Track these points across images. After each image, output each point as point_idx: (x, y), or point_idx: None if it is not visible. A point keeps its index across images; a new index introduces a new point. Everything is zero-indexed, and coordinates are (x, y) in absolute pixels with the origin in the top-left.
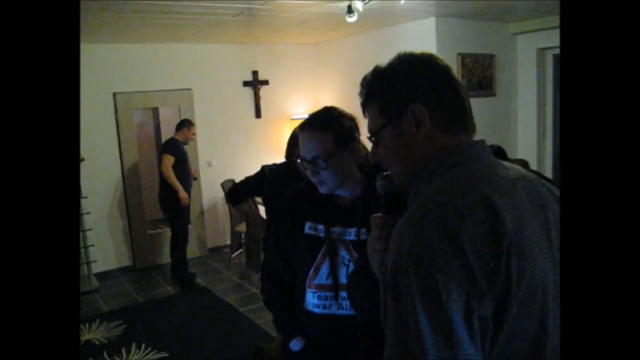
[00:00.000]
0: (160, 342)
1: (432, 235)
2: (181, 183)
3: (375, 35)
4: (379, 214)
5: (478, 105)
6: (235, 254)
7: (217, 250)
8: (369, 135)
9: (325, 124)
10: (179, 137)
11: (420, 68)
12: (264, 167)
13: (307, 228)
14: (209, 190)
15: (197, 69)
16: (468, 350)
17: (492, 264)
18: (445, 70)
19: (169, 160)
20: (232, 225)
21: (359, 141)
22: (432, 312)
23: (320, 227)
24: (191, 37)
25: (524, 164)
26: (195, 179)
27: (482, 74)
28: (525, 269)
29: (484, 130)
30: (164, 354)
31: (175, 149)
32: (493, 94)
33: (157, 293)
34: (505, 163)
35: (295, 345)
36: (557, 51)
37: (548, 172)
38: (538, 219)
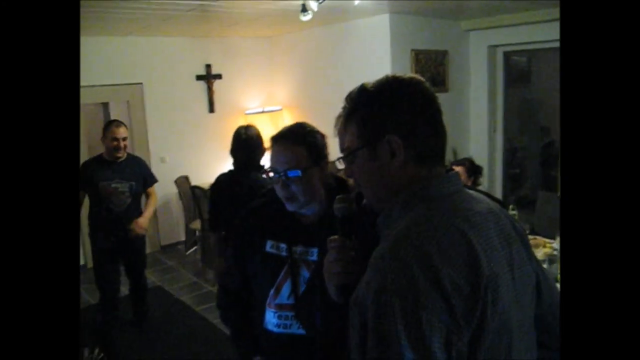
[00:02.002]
0: (112, 344)
1: (415, 273)
2: (94, 222)
3: (330, 29)
4: (336, 237)
5: None
6: (190, 251)
7: (170, 247)
8: (342, 153)
9: (300, 137)
10: (104, 152)
11: (403, 99)
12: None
13: (269, 246)
14: (163, 187)
15: (148, 63)
16: None
17: (470, 301)
18: (428, 101)
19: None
20: (187, 222)
21: (328, 160)
22: (416, 347)
23: (283, 245)
24: (141, 30)
25: (470, 162)
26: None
27: (435, 70)
28: (497, 305)
29: None
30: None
31: (83, 181)
32: (445, 90)
33: None
34: (474, 194)
35: None
36: (507, 48)
37: (498, 166)
38: (505, 255)
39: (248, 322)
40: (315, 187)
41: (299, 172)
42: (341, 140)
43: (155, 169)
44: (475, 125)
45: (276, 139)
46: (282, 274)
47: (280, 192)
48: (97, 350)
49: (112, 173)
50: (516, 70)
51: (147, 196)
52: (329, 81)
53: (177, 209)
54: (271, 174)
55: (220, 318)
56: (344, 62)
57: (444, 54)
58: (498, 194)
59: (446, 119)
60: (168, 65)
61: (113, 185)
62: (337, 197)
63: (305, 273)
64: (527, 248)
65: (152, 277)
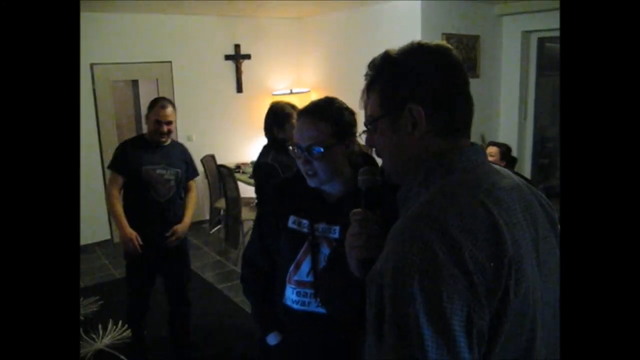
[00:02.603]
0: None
1: (435, 248)
2: (133, 214)
3: (360, 12)
4: (359, 209)
5: None
6: (214, 230)
7: (195, 225)
8: (365, 121)
9: (326, 113)
10: (146, 133)
11: (428, 66)
12: (262, 169)
13: (291, 222)
14: None
15: (177, 41)
16: None
17: (492, 280)
18: (455, 70)
19: (112, 181)
20: (212, 201)
21: (355, 138)
22: (435, 325)
23: (305, 222)
24: (172, 8)
25: (508, 149)
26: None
27: (467, 55)
28: (521, 285)
29: None
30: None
31: (123, 164)
32: (477, 76)
33: None
34: (499, 169)
35: (272, 339)
36: (542, 34)
37: (528, 155)
38: (530, 233)
39: (269, 297)
40: (339, 165)
41: (322, 149)
42: (364, 110)
43: None
44: (505, 113)
45: (302, 113)
46: (302, 250)
47: (302, 167)
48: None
49: (157, 157)
50: (550, 58)
51: (186, 191)
52: (358, 64)
53: (202, 188)
54: (295, 150)
55: (243, 292)
56: (373, 46)
57: (476, 38)
58: None
59: (476, 105)
60: (197, 44)
61: (158, 171)
62: (362, 169)
63: (326, 251)
64: (555, 226)
65: None
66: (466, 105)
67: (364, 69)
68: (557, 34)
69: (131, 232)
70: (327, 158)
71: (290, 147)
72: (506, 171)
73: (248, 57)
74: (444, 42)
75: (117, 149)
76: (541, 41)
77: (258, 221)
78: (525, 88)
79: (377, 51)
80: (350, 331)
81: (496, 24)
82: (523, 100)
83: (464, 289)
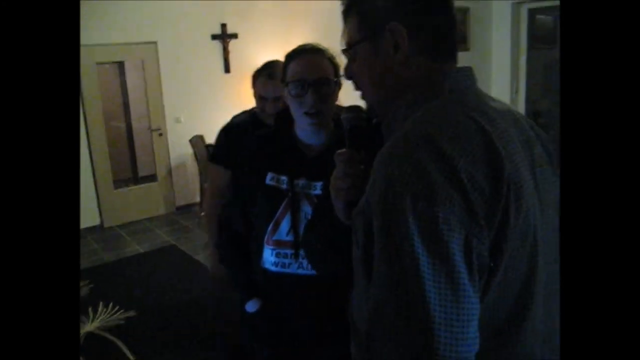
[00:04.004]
0: (128, 301)
1: (428, 166)
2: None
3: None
4: (344, 150)
5: None
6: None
7: (186, 208)
8: (343, 48)
9: (324, 52)
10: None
11: None
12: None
13: (269, 179)
14: (178, 147)
15: (162, 22)
16: (469, 293)
17: (491, 200)
18: None
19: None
20: (202, 183)
21: (341, 84)
22: (432, 250)
23: (283, 178)
24: None
25: None
26: (160, 134)
27: (457, 27)
28: (521, 208)
29: None
30: (132, 313)
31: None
32: (467, 49)
33: (126, 252)
34: (492, 97)
35: (251, 306)
36: (532, 5)
37: None
38: (526, 156)
39: (247, 262)
40: (333, 107)
41: (330, 81)
42: (343, 41)
43: (170, 129)
44: (496, 86)
45: (299, 52)
46: (281, 208)
47: (306, 105)
48: None
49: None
50: (541, 30)
51: None
52: None
53: (192, 170)
54: (296, 89)
55: (219, 259)
56: None
57: (465, 10)
58: None
59: None
60: (183, 25)
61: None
62: (346, 107)
63: (307, 208)
64: (553, 160)
65: (166, 237)
66: (450, 26)
67: None
68: (548, 4)
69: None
70: (331, 93)
71: (288, 87)
72: (499, 99)
73: (235, 36)
74: None
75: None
76: (532, 12)
77: (233, 181)
78: (516, 61)
79: None
80: (335, 292)
81: None
82: (514, 73)
83: (462, 210)
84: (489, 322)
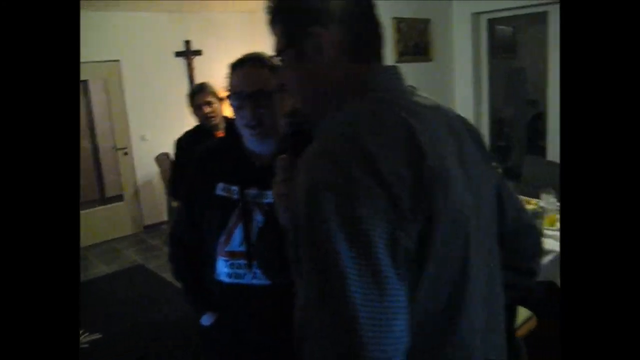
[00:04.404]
0: (94, 323)
1: (351, 163)
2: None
3: None
4: (284, 155)
5: (414, 70)
6: None
7: (154, 226)
8: (272, 57)
9: (266, 61)
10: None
11: None
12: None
13: (220, 189)
14: (144, 165)
15: (124, 40)
16: (395, 288)
17: (415, 191)
18: None
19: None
20: (169, 201)
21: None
22: (354, 247)
23: (234, 188)
24: (117, 5)
25: None
26: (126, 153)
27: (418, 38)
28: (448, 200)
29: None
30: (97, 336)
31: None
32: (429, 59)
33: (91, 274)
34: (420, 92)
35: (206, 320)
36: (491, 15)
37: (485, 138)
38: (454, 150)
39: (200, 275)
40: (278, 117)
41: (269, 93)
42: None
43: (136, 148)
44: (460, 96)
45: (240, 64)
46: (232, 218)
47: (245, 118)
48: None
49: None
50: (501, 40)
51: None
52: None
53: (159, 188)
54: (236, 101)
55: (172, 273)
56: None
57: (426, 22)
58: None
59: (430, 89)
60: (145, 42)
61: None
62: (288, 110)
63: (259, 218)
64: (485, 152)
65: (134, 256)
66: (374, 26)
67: None
68: (506, 14)
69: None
70: (274, 104)
71: (229, 100)
72: (429, 96)
73: (199, 53)
74: None
75: None
76: (491, 23)
77: (183, 193)
78: (478, 71)
79: None
80: (291, 301)
81: (446, 7)
82: (477, 83)
83: (385, 204)
84: (423, 317)
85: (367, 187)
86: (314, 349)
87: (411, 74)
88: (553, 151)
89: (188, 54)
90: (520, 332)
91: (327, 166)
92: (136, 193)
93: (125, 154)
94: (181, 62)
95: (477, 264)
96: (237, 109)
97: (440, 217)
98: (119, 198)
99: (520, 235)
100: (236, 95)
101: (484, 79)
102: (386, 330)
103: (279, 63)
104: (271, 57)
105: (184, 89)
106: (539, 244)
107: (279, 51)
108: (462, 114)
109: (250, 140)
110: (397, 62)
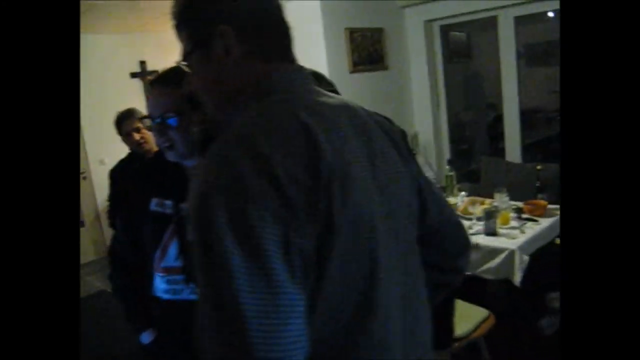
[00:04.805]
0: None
1: (241, 164)
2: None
3: None
4: (198, 164)
5: (370, 80)
6: None
7: None
8: (179, 62)
9: (176, 78)
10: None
11: None
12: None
13: (154, 205)
14: (104, 189)
15: (80, 62)
16: (288, 290)
17: (311, 191)
18: None
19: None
20: None
21: None
22: (244, 248)
23: (168, 202)
24: None
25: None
26: (84, 178)
27: (373, 48)
28: (349, 199)
29: (378, 103)
30: None
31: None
32: (385, 68)
33: None
34: (330, 94)
35: (145, 337)
36: (444, 22)
37: (445, 142)
38: (362, 149)
39: (139, 292)
40: (191, 132)
41: (176, 116)
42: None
43: (94, 172)
44: (418, 103)
45: (151, 83)
46: (168, 233)
47: (158, 140)
48: None
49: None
50: (456, 46)
51: None
52: None
53: None
54: (149, 124)
55: (112, 293)
56: None
57: (380, 31)
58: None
59: (387, 97)
60: (101, 64)
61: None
62: (197, 118)
63: None
64: (403, 152)
65: (97, 282)
66: (281, 26)
67: None
68: (458, 20)
69: None
70: (183, 127)
71: (145, 122)
72: (338, 96)
73: (155, 73)
74: None
75: None
76: (444, 29)
77: (120, 211)
78: (434, 77)
79: None
80: None
81: (399, 16)
82: (434, 88)
83: (278, 205)
84: (333, 318)
85: (259, 189)
86: (207, 352)
87: (367, 83)
88: (511, 152)
89: (144, 74)
90: (479, 331)
91: (220, 168)
92: (97, 218)
93: (84, 178)
94: (137, 83)
95: (389, 266)
96: (151, 129)
97: (341, 218)
98: (79, 224)
99: (445, 234)
100: (147, 117)
101: (440, 85)
102: (277, 333)
103: (187, 69)
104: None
105: (142, 110)
106: (465, 241)
107: (186, 55)
108: (421, 121)
109: (172, 157)
110: (352, 72)
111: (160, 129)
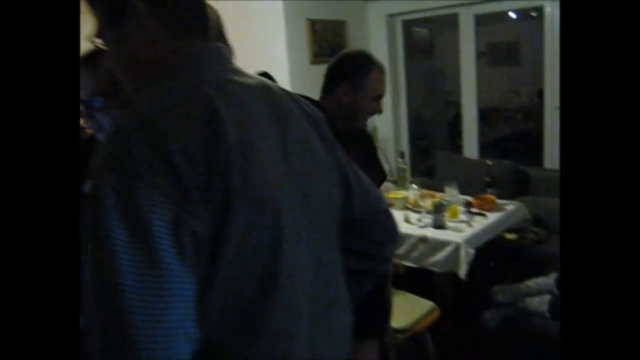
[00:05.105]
0: None
1: (133, 140)
2: None
3: (223, 4)
4: None
5: None
6: None
7: None
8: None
9: (97, 59)
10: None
11: None
12: None
13: (87, 188)
14: None
15: None
16: (175, 273)
17: (209, 172)
18: None
19: None
20: None
21: None
22: (130, 227)
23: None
24: None
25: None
26: None
27: (334, 40)
28: (250, 181)
29: None
30: None
31: None
32: None
33: None
34: (247, 72)
35: None
36: (406, 17)
37: (405, 138)
38: (275, 133)
39: None
40: None
41: (99, 98)
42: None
43: None
44: None
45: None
46: None
47: (87, 123)
48: None
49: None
50: (418, 42)
51: None
52: None
53: None
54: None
55: None
56: (238, 36)
57: (342, 24)
58: (407, 165)
59: None
60: None
61: None
62: (119, 98)
63: None
64: (326, 137)
65: None
66: (195, 1)
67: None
68: (421, 15)
69: None
70: (109, 107)
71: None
72: (257, 76)
73: None
74: None
75: None
76: (407, 24)
77: None
78: (395, 72)
79: (242, 41)
80: None
81: (361, 9)
82: (395, 84)
83: (170, 185)
84: (230, 305)
85: (151, 167)
86: (89, 336)
87: None
88: (469, 149)
89: None
90: (424, 323)
91: (113, 145)
92: None
93: None
94: None
95: (296, 254)
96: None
97: (240, 201)
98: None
99: (373, 223)
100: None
101: (401, 80)
102: (160, 317)
103: (102, 46)
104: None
105: None
106: (392, 230)
107: (100, 32)
108: (381, 115)
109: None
110: (313, 63)
111: (86, 111)
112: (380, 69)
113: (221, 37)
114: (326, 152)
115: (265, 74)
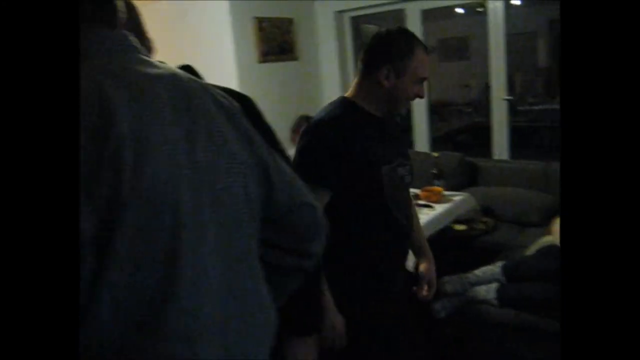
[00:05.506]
0: None
1: None
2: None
3: (169, 3)
4: None
5: (280, 70)
6: None
7: None
8: None
9: None
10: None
11: None
12: None
13: None
14: None
15: None
16: None
17: (97, 167)
18: None
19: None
20: None
21: None
22: None
23: None
24: None
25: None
26: None
27: (282, 38)
28: (142, 174)
29: (289, 94)
30: None
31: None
32: (295, 58)
33: None
34: (156, 63)
35: None
36: (354, 13)
37: None
38: (178, 125)
39: None
40: None
41: None
42: None
43: None
44: (328, 93)
45: None
46: None
47: None
48: None
49: (392, 147)
50: (368, 39)
51: None
52: (174, 56)
53: None
54: None
55: None
56: (185, 35)
57: (290, 21)
58: None
59: (296, 87)
60: None
61: (400, 171)
62: None
63: None
64: (244, 131)
65: None
66: None
67: (179, 61)
68: (369, 12)
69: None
70: None
71: None
72: (167, 65)
73: None
74: None
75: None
76: (355, 21)
77: None
78: (345, 69)
79: (189, 39)
80: None
81: (309, 6)
82: (345, 80)
83: None
84: (123, 308)
85: None
86: None
87: (277, 73)
88: (420, 143)
89: None
90: None
91: None
92: None
93: None
94: None
95: (199, 254)
96: None
97: (128, 195)
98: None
99: (298, 217)
100: None
101: (351, 77)
102: None
103: None
104: None
105: None
106: (317, 224)
107: None
108: None
109: None
110: (261, 62)
111: None
112: (424, 49)
113: (137, 29)
114: (242, 146)
115: (186, 67)
